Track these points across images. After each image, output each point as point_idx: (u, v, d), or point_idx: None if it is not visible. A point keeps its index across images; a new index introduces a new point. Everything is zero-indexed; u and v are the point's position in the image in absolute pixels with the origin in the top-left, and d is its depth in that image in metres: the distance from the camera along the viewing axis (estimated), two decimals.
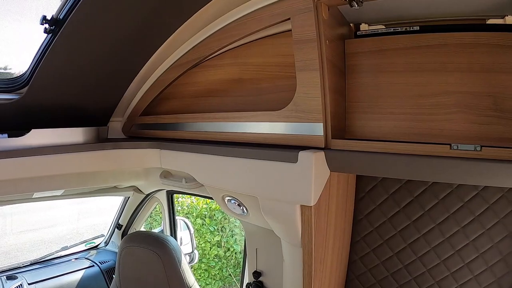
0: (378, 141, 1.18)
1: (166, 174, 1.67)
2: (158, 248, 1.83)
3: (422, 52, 1.30)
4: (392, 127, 1.33)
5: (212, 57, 1.59)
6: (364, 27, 1.47)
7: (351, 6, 1.19)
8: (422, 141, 1.28)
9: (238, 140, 1.40)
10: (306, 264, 1.35)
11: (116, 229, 2.78)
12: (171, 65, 1.58)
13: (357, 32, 1.41)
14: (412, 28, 1.34)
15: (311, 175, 1.17)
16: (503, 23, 1.39)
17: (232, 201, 1.46)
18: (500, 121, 1.23)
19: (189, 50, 1.52)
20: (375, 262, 1.67)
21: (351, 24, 1.49)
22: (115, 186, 2.06)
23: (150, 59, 1.56)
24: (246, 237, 1.80)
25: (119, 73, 1.59)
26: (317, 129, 1.23)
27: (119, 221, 2.74)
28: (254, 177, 1.31)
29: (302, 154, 1.18)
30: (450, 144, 1.09)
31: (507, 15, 1.39)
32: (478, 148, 1.07)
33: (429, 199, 1.51)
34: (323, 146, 1.23)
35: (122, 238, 2.42)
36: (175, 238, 2.54)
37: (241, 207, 1.47)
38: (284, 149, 1.25)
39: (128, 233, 2.66)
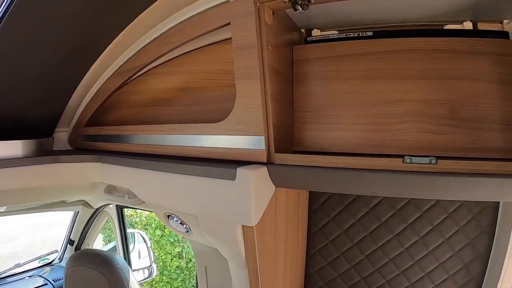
0: (325, 155, 1.08)
1: (110, 189, 1.55)
2: (104, 268, 1.70)
3: (374, 59, 1.20)
4: (342, 138, 1.23)
5: (159, 65, 1.49)
6: (316, 32, 1.37)
7: (295, 10, 1.08)
8: (375, 152, 1.19)
9: (180, 154, 1.29)
10: (252, 286, 1.24)
11: (68, 244, 2.62)
12: (112, 74, 1.47)
13: (308, 38, 1.31)
14: (365, 33, 1.25)
15: (250, 194, 1.06)
16: (460, 28, 1.31)
17: (175, 219, 1.35)
18: (456, 130, 1.15)
19: (129, 59, 1.41)
20: (333, 275, 1.59)
21: (303, 30, 1.40)
22: (62, 201, 1.94)
23: (91, 68, 1.44)
24: (194, 255, 1.68)
25: (61, 83, 1.47)
26: (259, 143, 1.12)
27: (71, 237, 2.58)
28: (193, 194, 1.19)
29: (240, 171, 1.06)
30: (402, 157, 0.98)
31: (465, 21, 1.30)
32: (434, 161, 0.97)
33: (385, 209, 1.44)
34: (265, 161, 1.12)
35: None
36: (128, 253, 2.41)
37: (184, 225, 1.35)
38: (224, 164, 1.14)
39: (81, 248, 2.50)
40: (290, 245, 1.40)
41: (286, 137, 1.22)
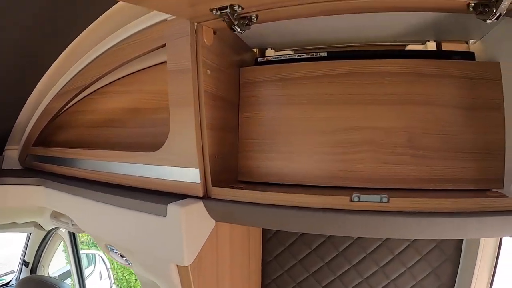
0: (266, 191, 0.97)
1: (55, 214, 1.46)
2: None
3: (328, 82, 1.10)
4: (292, 168, 1.12)
5: (109, 83, 1.39)
6: (269, 52, 1.27)
7: (233, 31, 0.99)
8: (328, 184, 1.08)
9: (119, 183, 1.19)
10: None
11: (23, 266, 2.50)
12: (56, 93, 1.38)
13: (258, 59, 1.21)
14: (319, 54, 1.14)
15: (181, 233, 0.96)
16: (423, 49, 1.20)
17: (115, 251, 1.26)
18: (415, 160, 1.05)
19: (71, 79, 1.32)
20: None
21: (255, 49, 1.30)
22: (13, 222, 1.87)
23: (37, 86, 1.36)
24: (141, 284, 1.59)
25: (8, 99, 1.39)
26: (194, 176, 1.02)
27: (25, 258, 2.46)
28: (126, 228, 1.10)
29: (171, 208, 0.96)
30: (350, 196, 0.87)
31: (429, 41, 1.19)
32: (385, 200, 0.85)
33: (343, 239, 1.36)
34: (202, 195, 1.02)
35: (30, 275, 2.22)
36: (81, 277, 2.31)
37: (124, 258, 1.26)
38: (158, 198, 1.04)
39: (37, 270, 2.41)
40: (239, 279, 1.30)
41: (228, 167, 1.12)
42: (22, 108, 1.42)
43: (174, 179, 1.05)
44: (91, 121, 1.42)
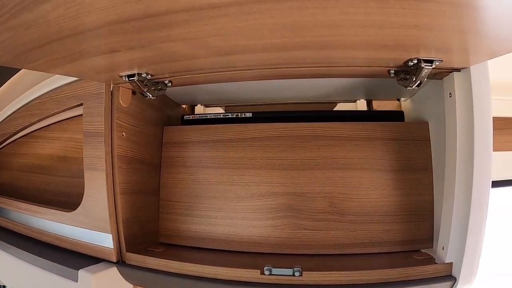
0: (180, 259, 0.94)
1: None
2: None
3: (248, 146, 1.08)
4: (210, 233, 1.09)
5: (43, 127, 1.35)
6: (199, 109, 1.25)
7: (145, 96, 0.96)
8: (244, 249, 1.06)
9: (40, 239, 1.14)
10: None
11: None
12: None
13: (185, 117, 1.18)
14: (245, 115, 1.12)
15: None
16: (353, 108, 1.19)
17: None
18: (337, 226, 1.03)
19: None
20: None
21: (185, 105, 1.28)
22: None
23: None
24: None
25: None
26: (107, 241, 0.98)
27: None
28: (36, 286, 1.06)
29: (82, 274, 0.92)
30: (261, 269, 0.85)
31: (359, 99, 1.19)
32: (298, 273, 0.83)
33: None
34: (115, 260, 0.99)
35: None
36: None
37: None
38: (73, 259, 1.00)
39: None
40: None
41: (147, 230, 1.09)
42: None
43: (89, 242, 1.01)
44: (23, 165, 1.37)
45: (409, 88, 0.85)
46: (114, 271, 0.96)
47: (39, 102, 1.12)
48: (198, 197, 1.09)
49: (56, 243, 1.07)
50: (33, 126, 1.31)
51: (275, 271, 0.85)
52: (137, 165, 1.03)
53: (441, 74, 0.85)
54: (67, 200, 1.11)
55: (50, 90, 1.10)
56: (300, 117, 1.10)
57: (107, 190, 0.95)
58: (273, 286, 0.84)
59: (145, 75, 0.87)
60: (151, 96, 0.93)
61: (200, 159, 1.10)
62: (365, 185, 1.05)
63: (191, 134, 1.11)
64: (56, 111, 1.07)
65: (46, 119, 1.24)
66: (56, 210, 1.06)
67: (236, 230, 1.06)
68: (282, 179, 1.04)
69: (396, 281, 0.82)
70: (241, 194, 1.05)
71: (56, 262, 0.97)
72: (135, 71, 0.85)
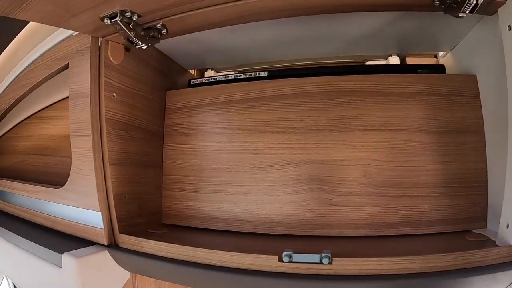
0: (181, 242, 0.74)
1: None
2: None
3: (264, 106, 0.86)
4: (219, 212, 0.88)
5: (46, 107, 1.19)
6: (209, 73, 1.04)
7: (134, 45, 0.76)
8: (260, 231, 0.84)
9: (29, 219, 0.97)
10: None
11: None
12: None
13: (191, 81, 0.97)
14: (259, 74, 0.90)
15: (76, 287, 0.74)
16: (385, 63, 0.95)
17: None
18: (373, 200, 0.80)
19: None
20: None
21: (192, 70, 1.07)
22: None
23: None
24: None
25: None
26: (96, 220, 0.79)
27: None
28: (25, 274, 0.88)
29: (66, 258, 0.74)
30: (279, 255, 0.63)
31: (391, 55, 0.94)
32: (326, 260, 0.60)
33: None
34: (107, 243, 0.79)
35: None
36: None
37: None
38: (59, 242, 0.82)
39: None
40: None
41: (148, 209, 0.89)
42: None
43: (78, 222, 0.82)
44: (26, 148, 1.21)
45: (461, 14, 0.60)
46: (105, 255, 0.77)
47: (28, 71, 0.96)
48: (206, 169, 0.88)
49: (48, 224, 0.90)
50: (38, 105, 1.15)
51: (296, 257, 0.63)
52: (133, 132, 0.84)
53: (495, 3, 0.61)
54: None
55: (38, 56, 0.93)
56: (324, 72, 0.86)
57: (94, 159, 0.76)
58: (294, 277, 0.62)
59: (129, 14, 0.67)
60: (141, 43, 0.74)
61: (208, 125, 0.89)
62: (405, 150, 0.82)
63: (197, 97, 0.91)
64: (44, 76, 0.90)
65: (52, 95, 1.08)
66: (45, 187, 0.87)
67: (251, 208, 0.84)
68: (305, 144, 0.82)
69: (455, 269, 0.58)
70: (257, 164, 0.83)
71: (41, 245, 0.78)
72: (117, 9, 0.65)
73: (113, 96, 0.79)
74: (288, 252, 0.63)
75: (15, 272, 0.92)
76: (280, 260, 0.63)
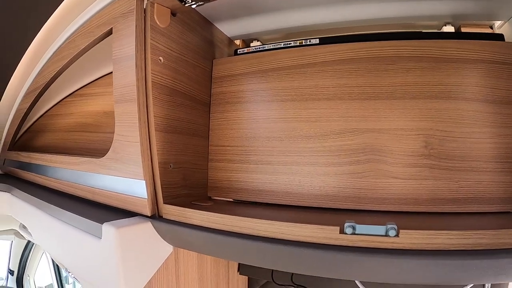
0: (230, 213, 0.64)
1: (24, 224, 1.20)
2: None
3: (318, 72, 0.76)
4: (270, 184, 0.78)
5: (87, 85, 1.12)
6: (255, 44, 0.94)
7: (184, 3, 0.67)
8: (313, 204, 0.74)
9: (70, 192, 0.90)
10: None
11: (9, 274, 2.16)
12: (24, 94, 1.11)
13: (238, 50, 0.88)
14: (310, 41, 0.79)
15: (117, 260, 0.65)
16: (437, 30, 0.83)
17: (69, 271, 0.96)
18: (435, 173, 0.69)
19: (35, 78, 1.05)
20: None
21: (238, 41, 0.97)
22: None
23: (8, 87, 1.10)
24: None
25: None
26: (140, 189, 0.70)
27: (10, 267, 2.13)
28: (66, 247, 0.80)
29: (106, 228, 0.65)
30: (341, 226, 0.53)
31: (446, 25, 0.82)
32: (393, 232, 0.51)
33: None
34: (150, 214, 0.70)
35: (16, 285, 1.95)
36: None
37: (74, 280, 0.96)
38: (101, 213, 0.74)
39: (23, 280, 2.13)
40: None
41: (193, 180, 0.80)
42: None
43: (121, 192, 0.73)
44: (67, 125, 1.15)
45: None
46: (147, 227, 0.68)
47: (69, 41, 0.89)
48: (256, 138, 0.78)
49: (89, 197, 0.81)
50: (80, 82, 1.08)
51: (360, 228, 0.53)
52: (180, 99, 0.75)
53: None
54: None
55: (79, 26, 0.86)
56: (379, 37, 0.74)
57: (139, 125, 0.67)
58: (356, 251, 0.52)
59: None
60: (191, 1, 0.63)
61: (258, 93, 0.79)
62: (467, 120, 0.70)
63: (245, 64, 0.81)
64: (86, 45, 0.81)
65: (93, 72, 1.00)
66: (86, 157, 0.79)
67: (304, 180, 0.74)
68: (362, 112, 0.71)
69: None
70: (310, 133, 0.73)
71: (81, 216, 0.70)
72: None
73: (159, 60, 0.70)
74: (351, 223, 0.53)
75: (55, 246, 0.85)
76: (342, 231, 0.53)
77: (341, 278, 0.65)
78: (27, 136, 1.23)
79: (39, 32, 0.94)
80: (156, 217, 0.71)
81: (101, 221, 0.67)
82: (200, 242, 0.67)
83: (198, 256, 0.87)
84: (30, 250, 2.03)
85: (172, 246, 0.76)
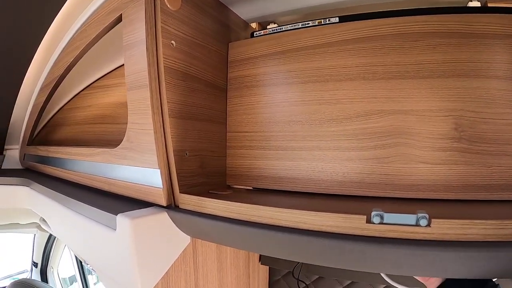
0: (250, 201, 0.58)
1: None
2: None
3: (338, 51, 0.68)
4: (291, 171, 0.71)
5: (103, 76, 1.06)
6: (273, 27, 0.86)
7: None
8: (337, 192, 0.67)
9: (87, 184, 0.85)
10: None
11: (33, 266, 2.14)
12: (40, 88, 1.06)
13: (255, 33, 0.80)
14: (329, 20, 0.72)
15: (132, 251, 0.59)
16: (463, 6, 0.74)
17: (87, 263, 0.91)
18: (466, 157, 0.61)
19: (50, 69, 1.00)
20: None
21: (254, 24, 0.90)
22: (17, 222, 1.57)
23: (24, 81, 1.05)
24: None
25: (1, 97, 1.10)
26: (155, 179, 0.64)
27: (34, 259, 2.10)
28: (82, 239, 0.75)
29: (120, 220, 0.60)
30: (368, 215, 0.47)
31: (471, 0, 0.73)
32: (424, 222, 0.44)
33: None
34: (165, 204, 0.64)
35: (40, 277, 1.93)
36: (85, 280, 1.97)
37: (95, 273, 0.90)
38: (117, 204, 0.68)
39: (47, 272, 2.10)
40: None
41: (210, 169, 0.73)
42: (14, 106, 1.11)
43: (135, 182, 0.67)
44: (86, 118, 1.10)
45: None
46: (163, 217, 0.62)
47: (80, 32, 0.83)
48: (275, 123, 0.71)
49: (105, 188, 0.76)
50: (96, 74, 1.03)
51: (388, 217, 0.46)
52: (194, 83, 0.68)
53: None
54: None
55: (89, 15, 0.80)
56: (401, 13, 0.66)
57: (152, 111, 0.61)
58: (385, 242, 0.45)
59: None
60: None
61: (277, 75, 0.72)
62: (499, 100, 0.62)
63: (262, 46, 0.74)
64: (97, 33, 0.75)
65: (109, 63, 0.95)
66: (100, 148, 0.73)
67: (326, 166, 0.66)
68: (387, 92, 0.63)
69: None
70: (332, 116, 0.66)
71: (96, 207, 0.64)
72: None
73: (172, 43, 0.64)
74: (378, 212, 0.46)
75: (73, 238, 0.80)
76: (369, 221, 0.45)
77: (366, 271, 0.58)
78: (46, 130, 1.19)
79: (51, 25, 0.88)
80: (172, 207, 0.65)
81: (116, 212, 0.61)
82: (218, 233, 0.61)
83: (217, 247, 0.81)
84: (52, 243, 2.01)
85: (190, 237, 0.70)
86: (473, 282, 0.61)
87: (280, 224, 0.52)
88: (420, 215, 0.45)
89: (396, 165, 0.63)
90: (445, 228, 0.44)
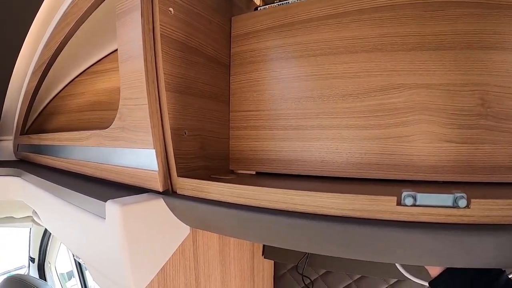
0: (254, 184, 0.47)
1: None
2: None
3: (352, 22, 0.58)
4: (302, 152, 0.61)
5: (97, 62, 0.95)
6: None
7: None
8: (353, 175, 0.57)
9: (79, 171, 0.74)
10: None
11: (30, 262, 2.00)
12: (32, 71, 0.95)
13: (259, 8, 0.70)
14: None
15: (122, 243, 0.48)
16: None
17: (78, 257, 0.79)
18: (493, 136, 0.51)
19: (41, 50, 0.89)
20: None
21: (258, 1, 0.80)
22: (11, 216, 1.45)
23: (15, 69, 0.94)
24: None
25: None
26: (149, 160, 0.53)
27: (30, 254, 1.97)
28: (70, 229, 0.65)
29: (109, 207, 0.49)
30: (398, 196, 0.37)
31: None
32: (463, 203, 0.35)
33: (375, 284, 0.79)
34: (162, 189, 0.54)
35: (38, 272, 1.80)
36: (82, 275, 1.85)
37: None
38: (109, 191, 0.57)
39: (44, 267, 1.99)
40: None
41: (211, 152, 0.63)
42: (5, 96, 1.00)
43: (128, 166, 0.57)
44: (80, 105, 0.99)
45: None
46: (159, 204, 0.51)
47: (72, 6, 0.72)
48: (284, 100, 0.61)
49: (97, 174, 0.65)
50: (90, 59, 0.92)
51: (422, 198, 0.37)
52: (194, 56, 0.58)
53: None
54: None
55: None
56: None
57: (147, 83, 0.50)
58: (418, 227, 0.36)
59: None
60: None
61: (285, 48, 0.62)
62: None
63: (269, 18, 0.64)
64: (88, 5, 0.64)
65: (102, 48, 0.84)
66: (91, 130, 0.63)
67: (342, 146, 0.56)
68: (407, 65, 0.53)
69: None
70: (348, 91, 0.56)
71: (84, 194, 0.53)
72: None
73: (170, 10, 0.54)
74: (409, 193, 0.36)
75: (62, 230, 0.69)
76: (400, 203, 0.35)
77: (397, 262, 0.48)
78: (40, 120, 1.08)
79: (41, 7, 0.78)
80: (169, 192, 0.54)
81: (106, 199, 0.50)
82: (222, 221, 0.51)
83: (220, 239, 0.71)
84: (48, 237, 1.88)
85: (189, 228, 0.59)
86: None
87: (295, 210, 0.42)
88: (458, 195, 0.36)
89: (418, 144, 0.53)
90: (486, 209, 0.35)
